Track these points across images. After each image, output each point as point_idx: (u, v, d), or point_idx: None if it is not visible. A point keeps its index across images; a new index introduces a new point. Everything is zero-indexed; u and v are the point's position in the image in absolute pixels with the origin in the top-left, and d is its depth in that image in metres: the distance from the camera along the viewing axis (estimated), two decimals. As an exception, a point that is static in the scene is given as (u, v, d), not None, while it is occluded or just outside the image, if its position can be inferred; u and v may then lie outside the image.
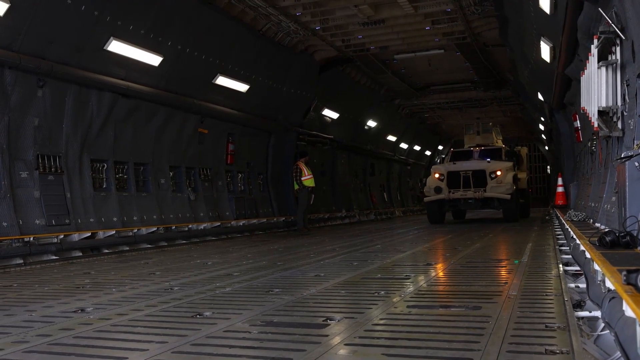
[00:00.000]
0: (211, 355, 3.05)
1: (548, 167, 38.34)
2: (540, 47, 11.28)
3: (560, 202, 18.93)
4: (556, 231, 11.38)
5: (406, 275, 5.98)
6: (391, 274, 6.18)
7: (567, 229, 8.57)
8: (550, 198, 30.99)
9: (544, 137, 30.80)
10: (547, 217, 19.28)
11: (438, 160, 20.70)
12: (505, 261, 7.04)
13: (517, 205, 17.32)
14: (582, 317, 3.83)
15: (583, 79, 7.62)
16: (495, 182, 16.64)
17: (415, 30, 16.42)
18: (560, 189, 19.37)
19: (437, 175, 17.42)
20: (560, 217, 12.26)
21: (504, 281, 5.36)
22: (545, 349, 2.89)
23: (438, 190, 17.12)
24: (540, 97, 17.49)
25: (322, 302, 4.61)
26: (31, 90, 9.70)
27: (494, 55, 19.78)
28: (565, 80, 11.54)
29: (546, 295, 4.49)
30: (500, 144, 21.34)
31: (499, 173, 16.75)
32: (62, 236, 9.76)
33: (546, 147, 34.34)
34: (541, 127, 27.42)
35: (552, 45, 10.61)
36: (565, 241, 8.80)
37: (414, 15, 15.04)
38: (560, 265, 6.11)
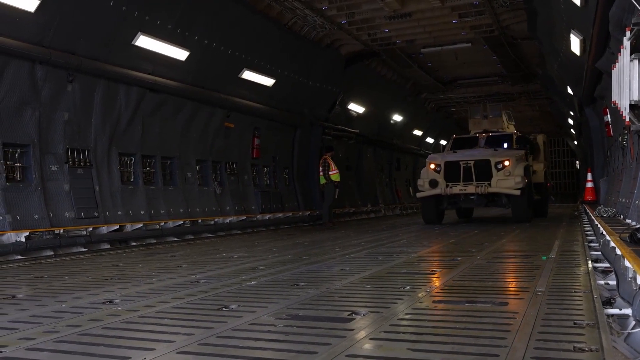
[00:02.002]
0: (237, 347, 3.07)
1: (577, 162, 37.72)
2: (570, 40, 11.09)
3: (589, 197, 18.64)
4: (585, 227, 11.20)
5: (432, 270, 5.95)
6: (417, 269, 6.15)
7: (597, 225, 8.44)
8: (579, 193, 30.54)
9: (573, 132, 30.32)
10: (575, 213, 18.98)
11: (443, 149, 17.02)
12: (532, 257, 6.96)
13: (529, 203, 14.55)
14: (612, 315, 3.77)
15: (614, 72, 7.48)
16: (502, 175, 13.96)
17: (442, 24, 16.27)
18: (589, 185, 19.06)
19: (432, 167, 14.76)
20: (590, 213, 12.08)
21: (531, 277, 5.30)
22: (574, 347, 2.85)
23: (433, 184, 14.46)
24: (569, 90, 17.22)
25: (348, 296, 4.61)
26: (61, 85, 9.85)
27: (522, 48, 19.50)
28: (595, 74, 11.33)
29: (575, 291, 4.42)
30: (512, 129, 17.98)
31: (507, 163, 14.00)
32: (91, 229, 9.91)
33: (575, 142, 33.81)
34: (570, 121, 27.00)
35: (582, 37, 10.42)
36: (594, 237, 8.66)
37: (441, 8, 14.90)
38: (590, 262, 6.02)
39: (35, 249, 8.75)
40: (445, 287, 4.88)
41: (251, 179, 15.68)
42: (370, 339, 3.19)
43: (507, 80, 24.55)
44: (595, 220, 9.21)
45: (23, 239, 8.57)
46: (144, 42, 10.83)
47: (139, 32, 10.64)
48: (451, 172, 14.38)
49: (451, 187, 14.29)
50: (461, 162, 14.34)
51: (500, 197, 14.50)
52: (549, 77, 19.37)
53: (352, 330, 3.40)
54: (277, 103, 16.04)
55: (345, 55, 18.15)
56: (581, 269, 5.69)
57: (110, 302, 4.55)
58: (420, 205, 15.79)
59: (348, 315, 3.80)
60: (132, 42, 10.69)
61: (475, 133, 16.83)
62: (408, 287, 4.89)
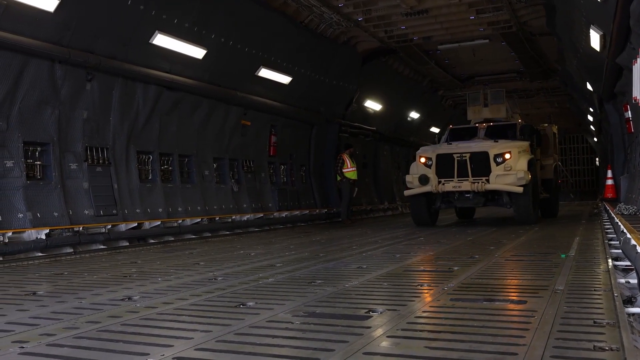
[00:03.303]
0: (254, 344, 3.08)
1: (597, 159, 37.30)
2: (589, 36, 10.95)
3: (609, 195, 18.41)
4: (605, 225, 11.07)
5: (449, 268, 5.92)
6: (434, 267, 6.13)
7: (617, 222, 8.33)
8: (598, 191, 30.20)
9: (593, 129, 29.97)
10: (595, 211, 18.77)
11: (438, 140, 15.11)
12: (551, 255, 6.89)
13: (534, 202, 12.93)
14: (633, 314, 3.72)
15: (635, 67, 7.38)
16: (502, 169, 12.23)
17: (460, 20, 16.16)
18: (609, 182, 18.83)
19: (422, 160, 13.02)
20: (610, 211, 11.93)
21: (550, 275, 5.25)
22: (594, 346, 2.82)
23: (424, 180, 12.74)
24: (589, 87, 17.02)
25: (365, 294, 4.60)
26: (80, 84, 9.95)
27: (540, 44, 19.30)
28: (615, 70, 11.18)
29: (594, 290, 4.37)
30: (517, 119, 15.94)
31: (507, 156, 12.29)
32: (109, 226, 10.01)
33: (595, 139, 33.42)
34: (590, 118, 26.69)
35: (602, 33, 10.29)
36: (614, 235, 8.56)
37: (458, 4, 14.80)
38: (610, 260, 5.95)
39: (55, 246, 8.85)
40: (463, 285, 4.85)
41: (268, 177, 15.72)
42: (388, 336, 3.19)
43: (525, 77, 24.33)
44: (615, 218, 9.10)
45: (43, 236, 8.68)
46: (161, 40, 10.90)
47: (157, 31, 10.71)
48: (444, 166, 12.68)
49: (443, 184, 12.62)
50: (455, 155, 12.58)
51: (500, 195, 12.80)
52: (568, 73, 19.16)
53: (369, 327, 3.39)
54: (293, 101, 16.06)
55: (361, 52, 18.11)
56: (601, 267, 5.63)
57: (129, 299, 4.59)
58: (410, 205, 14.13)
59: (365, 312, 3.80)
60: (150, 41, 10.75)
61: (475, 123, 15.01)
62: (425, 284, 4.88)
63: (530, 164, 12.68)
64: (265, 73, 14.31)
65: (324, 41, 16.00)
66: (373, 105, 21.32)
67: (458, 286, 4.80)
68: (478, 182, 12.29)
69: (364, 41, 17.69)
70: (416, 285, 4.86)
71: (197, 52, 11.90)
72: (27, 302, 4.61)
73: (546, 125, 16.66)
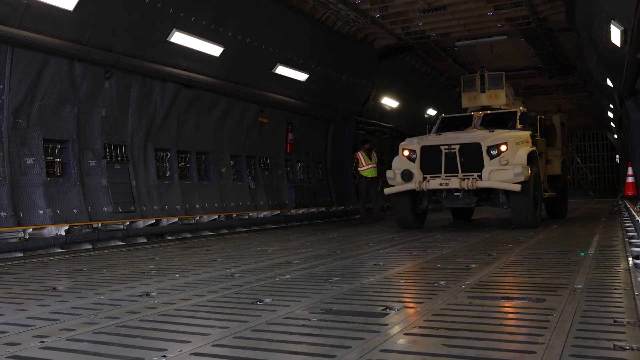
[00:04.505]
0: (271, 341, 3.09)
1: (617, 156, 36.86)
2: (610, 31, 10.81)
3: (630, 192, 18.19)
4: (625, 223, 10.93)
5: (467, 266, 5.89)
6: (451, 264, 6.10)
7: (638, 220, 8.23)
8: (618, 188, 29.85)
9: (613, 125, 29.61)
10: (615, 209, 18.55)
11: (428, 131, 13.43)
12: (570, 253, 6.82)
13: (535, 202, 11.07)
14: (654, 313, 3.67)
15: (656, 63, 7.27)
16: (497, 164, 10.55)
17: (477, 16, 16.03)
18: (630, 179, 18.60)
19: (406, 153, 11.34)
20: (630, 209, 11.79)
21: (569, 273, 5.20)
22: (614, 345, 2.79)
23: (406, 176, 11.10)
24: (609, 83, 16.80)
25: (381, 291, 4.60)
26: (99, 82, 10.03)
27: (559, 40, 19.10)
28: (636, 65, 11.03)
29: (614, 288, 4.32)
30: (519, 107, 13.88)
31: (503, 148, 10.61)
32: (128, 223, 10.09)
33: (615, 136, 33.02)
34: (610, 114, 26.36)
35: (623, 28, 10.15)
36: (635, 233, 8.45)
37: (476, 0, 14.69)
38: (630, 258, 5.87)
39: (74, 242, 8.95)
40: (481, 283, 4.82)
41: (285, 174, 15.75)
42: (405, 334, 3.18)
43: (544, 74, 24.10)
44: (636, 216, 8.99)
45: (63, 233, 8.77)
46: (178, 38, 10.95)
47: (174, 29, 10.76)
48: (430, 160, 11.05)
49: (429, 181, 10.94)
50: (442, 147, 10.91)
51: (496, 194, 11.15)
52: (587, 69, 18.93)
53: (386, 325, 3.39)
54: (310, 98, 16.06)
55: (378, 49, 18.05)
56: (621, 265, 5.57)
57: (147, 295, 4.63)
58: (393, 205, 12.38)
59: (382, 310, 3.79)
60: (167, 39, 10.81)
61: (471, 111, 13.38)
62: (442, 282, 4.86)
63: (531, 158, 11.08)
64: (282, 70, 14.32)
65: (341, 38, 15.98)
66: (390, 102, 21.25)
67: (475, 284, 4.77)
68: (469, 179, 10.59)
69: (380, 38, 17.63)
70: (433, 283, 4.84)
71: (215, 50, 11.94)
72: (47, 297, 4.67)
73: (552, 114, 15.03)
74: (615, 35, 10.70)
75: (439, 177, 10.89)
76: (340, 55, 16.35)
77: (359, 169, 15.94)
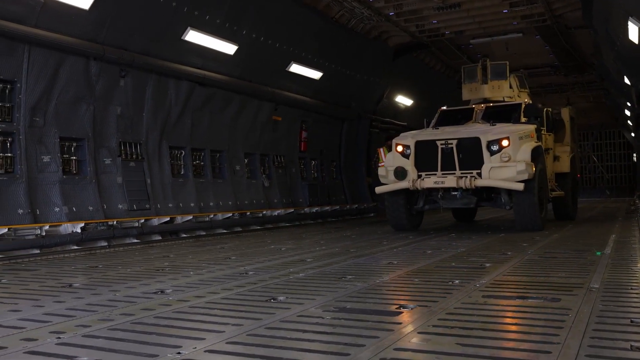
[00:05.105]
0: (285, 339, 3.10)
1: (634, 154, 36.46)
2: (627, 28, 10.69)
3: (647, 191, 17.97)
4: (642, 222, 10.82)
5: (481, 265, 5.85)
6: (466, 263, 6.07)
7: (655, 219, 8.14)
8: (635, 187, 29.52)
9: (630, 124, 29.29)
10: (632, 208, 18.36)
11: (427, 125, 12.15)
12: (586, 252, 6.77)
13: (541, 202, 10.18)
14: (671, 313, 3.63)
15: (675, 61, 7.17)
16: (498, 160, 9.71)
17: (492, 14, 15.93)
18: (647, 178, 18.35)
19: (399, 149, 10.50)
20: (647, 208, 11.65)
21: (585, 273, 5.15)
22: (631, 345, 2.76)
23: (400, 174, 10.24)
24: (626, 81, 16.62)
25: (395, 290, 4.59)
26: (114, 80, 10.10)
27: (575, 37, 18.92)
28: (654, 63, 10.89)
29: (631, 288, 4.28)
30: (525, 98, 13.02)
31: (505, 143, 9.75)
32: (142, 220, 10.16)
33: (632, 134, 32.66)
34: (627, 112, 26.08)
35: (640, 25, 10.03)
36: (652, 232, 8.36)
37: (491, -3, 14.59)
38: (647, 258, 5.82)
39: (90, 239, 9.03)
40: (495, 282, 4.80)
41: (299, 172, 15.77)
42: (419, 332, 3.17)
43: (560, 71, 23.89)
44: (653, 215, 8.89)
45: (79, 230, 8.85)
46: (193, 36, 10.99)
47: (189, 27, 10.80)
48: (424, 156, 10.21)
49: (423, 179, 10.08)
50: (439, 142, 10.06)
51: (498, 193, 10.28)
52: (604, 67, 18.73)
53: (400, 323, 3.38)
54: (324, 96, 16.05)
55: (392, 47, 18.00)
56: (638, 265, 5.51)
57: (162, 292, 4.65)
58: (385, 205, 11.25)
59: (396, 308, 3.78)
60: (182, 37, 10.85)
61: (473, 104, 12.48)
62: (457, 281, 4.83)
63: (536, 154, 10.22)
64: (296, 68, 14.33)
65: (355, 36, 15.95)
66: (404, 100, 21.18)
67: (490, 283, 4.74)
68: (467, 177, 9.75)
69: (395, 36, 17.57)
70: (447, 282, 4.82)
71: (229, 48, 11.97)
72: (63, 293, 4.71)
73: (561, 107, 14.01)
74: (633, 32, 10.58)
75: (435, 174, 10.05)
76: (354, 53, 16.33)
77: (379, 165, 15.93)
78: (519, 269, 5.63)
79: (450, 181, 9.83)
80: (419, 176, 10.16)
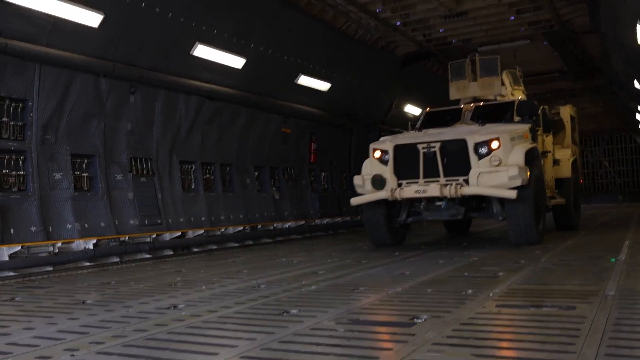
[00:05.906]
0: (299, 352, 3.08)
1: (646, 159, 36.21)
2: (636, 32, 10.65)
3: (660, 196, 17.79)
4: (657, 227, 10.72)
5: (494, 274, 5.81)
6: (479, 273, 6.03)
7: (669, 224, 8.05)
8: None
9: (641, 128, 29.12)
10: (646, 212, 18.21)
11: (412, 127, 11.13)
12: (600, 259, 6.70)
13: (537, 211, 8.92)
14: (689, 319, 3.58)
15: (685, 64, 7.13)
16: (487, 164, 8.52)
17: (499, 21, 15.94)
18: (660, 182, 18.19)
19: (377, 155, 9.43)
20: (661, 212, 11.54)
21: (600, 280, 5.10)
22: (649, 353, 2.73)
23: (378, 183, 9.14)
24: (636, 85, 16.53)
25: (408, 301, 4.56)
26: (124, 97, 10.18)
27: (584, 43, 18.87)
28: (664, 67, 10.83)
29: (648, 295, 4.23)
30: (520, 96, 11.97)
31: (494, 145, 8.57)
32: (154, 235, 10.19)
33: (643, 138, 32.46)
34: (638, 117, 25.93)
35: (649, 29, 9.99)
36: (667, 237, 8.28)
37: (498, 5, 14.59)
38: (663, 264, 5.76)
39: (102, 255, 9.06)
40: (509, 291, 4.76)
41: (309, 184, 15.78)
42: (433, 344, 3.15)
43: (568, 77, 23.81)
44: (667, 220, 8.80)
45: (91, 246, 8.89)
46: (201, 51, 11.07)
47: (197, 42, 10.88)
48: (405, 162, 9.08)
49: (403, 188, 8.93)
50: (420, 146, 8.91)
51: (489, 202, 9.07)
52: (613, 71, 18.66)
53: (414, 335, 3.36)
54: (333, 107, 16.09)
55: (400, 56, 18.03)
56: (654, 271, 5.45)
57: (175, 307, 4.66)
58: (364, 218, 10.18)
59: (409, 320, 3.76)
60: (191, 52, 10.93)
61: (461, 104, 11.22)
62: (470, 291, 4.80)
63: (531, 156, 9.02)
64: (304, 80, 14.38)
65: (362, 47, 15.99)
66: (413, 109, 21.16)
67: (504, 292, 4.71)
68: (452, 185, 8.57)
69: (402, 45, 17.60)
70: (461, 292, 4.79)
71: (237, 62, 12.04)
72: (76, 310, 4.72)
73: (561, 106, 12.92)
74: (642, 36, 10.53)
75: (417, 182, 8.90)
76: (362, 63, 16.37)
77: None
78: (533, 277, 5.59)
79: (433, 190, 8.64)
80: (399, 185, 9.03)
